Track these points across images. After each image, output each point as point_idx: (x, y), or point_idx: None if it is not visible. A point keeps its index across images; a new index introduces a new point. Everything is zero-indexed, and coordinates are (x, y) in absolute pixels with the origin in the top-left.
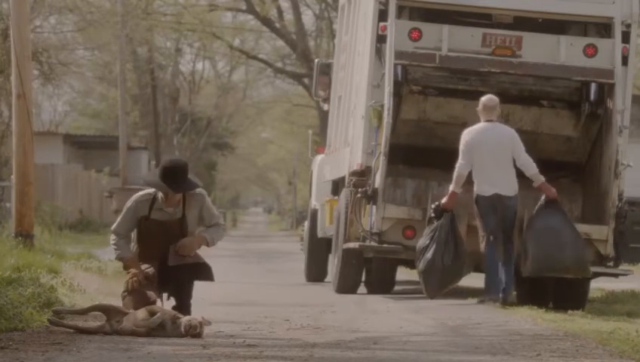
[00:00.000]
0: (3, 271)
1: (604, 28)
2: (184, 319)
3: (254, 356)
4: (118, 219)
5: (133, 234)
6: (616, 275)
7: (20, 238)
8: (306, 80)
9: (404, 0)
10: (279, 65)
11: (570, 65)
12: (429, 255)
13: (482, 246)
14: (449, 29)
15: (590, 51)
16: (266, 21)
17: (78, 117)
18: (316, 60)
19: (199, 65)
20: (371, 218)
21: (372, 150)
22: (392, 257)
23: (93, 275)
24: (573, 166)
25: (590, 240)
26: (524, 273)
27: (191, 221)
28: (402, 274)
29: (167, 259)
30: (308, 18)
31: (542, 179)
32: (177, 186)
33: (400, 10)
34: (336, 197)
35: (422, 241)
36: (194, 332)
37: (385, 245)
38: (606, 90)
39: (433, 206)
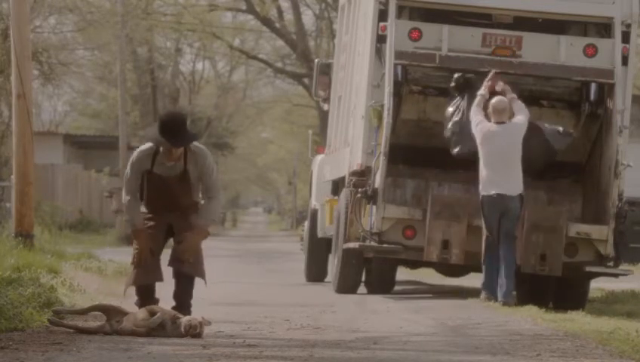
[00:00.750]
0: (3, 271)
1: (604, 28)
2: (184, 319)
3: (254, 356)
4: (126, 176)
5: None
6: (616, 275)
7: (20, 238)
8: (306, 80)
9: (404, 0)
10: (279, 65)
11: (570, 65)
12: (456, 118)
13: (484, 246)
14: (449, 29)
15: (590, 51)
16: (266, 21)
17: (78, 117)
18: (316, 60)
19: (199, 65)
20: (371, 218)
21: (372, 150)
22: (392, 257)
23: (93, 275)
24: (573, 166)
25: (590, 240)
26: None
27: (193, 175)
28: (402, 274)
29: (172, 214)
30: (308, 18)
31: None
32: (176, 141)
33: (400, 10)
34: (336, 197)
35: (450, 110)
36: (194, 332)
37: (385, 245)
38: (606, 90)
39: (456, 75)
